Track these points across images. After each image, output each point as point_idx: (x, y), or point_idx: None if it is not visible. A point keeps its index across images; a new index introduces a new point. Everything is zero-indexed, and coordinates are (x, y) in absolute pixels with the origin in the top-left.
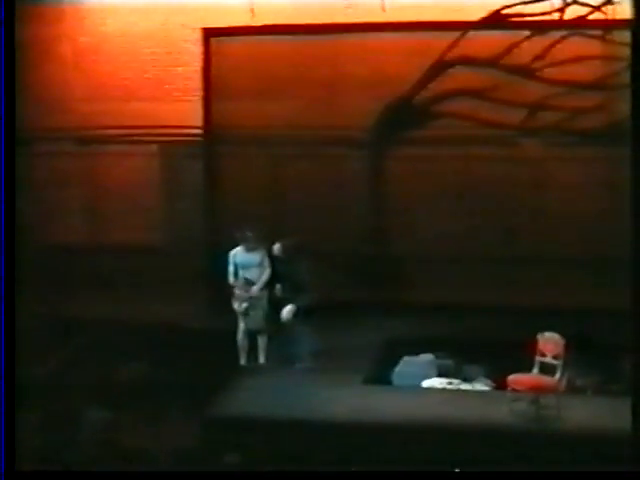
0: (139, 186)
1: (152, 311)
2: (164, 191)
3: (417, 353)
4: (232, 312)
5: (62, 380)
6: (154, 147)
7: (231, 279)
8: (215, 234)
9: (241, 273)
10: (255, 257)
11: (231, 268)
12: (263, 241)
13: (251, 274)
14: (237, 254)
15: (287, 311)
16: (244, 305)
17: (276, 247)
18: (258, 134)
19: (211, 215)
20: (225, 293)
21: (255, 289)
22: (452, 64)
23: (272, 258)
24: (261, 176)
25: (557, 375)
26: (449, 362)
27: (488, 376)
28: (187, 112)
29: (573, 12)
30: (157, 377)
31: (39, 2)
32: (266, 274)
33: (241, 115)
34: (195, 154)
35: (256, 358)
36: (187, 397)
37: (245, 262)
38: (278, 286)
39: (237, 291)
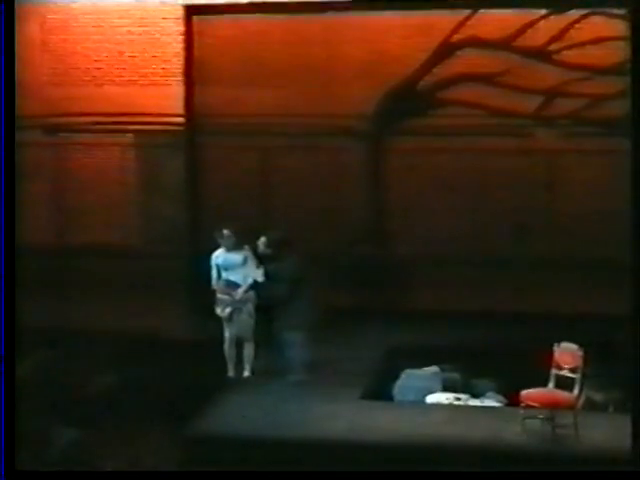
0: (113, 180)
1: (127, 319)
2: (141, 186)
3: (420, 365)
4: (217, 319)
5: (24, 395)
6: (130, 137)
7: (214, 282)
8: (197, 234)
9: (224, 275)
10: (238, 257)
11: (214, 271)
12: (248, 240)
13: (235, 276)
14: (219, 255)
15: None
16: (227, 310)
17: (261, 241)
18: (245, 123)
19: (193, 213)
20: (209, 298)
21: (239, 292)
22: (460, 46)
23: (260, 258)
24: (249, 170)
25: (575, 390)
26: (456, 375)
27: (499, 391)
28: (167, 98)
29: None
30: (131, 392)
31: None
32: (252, 276)
33: (226, 102)
34: (175, 145)
35: (243, 369)
36: (166, 414)
37: (227, 263)
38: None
39: (219, 295)
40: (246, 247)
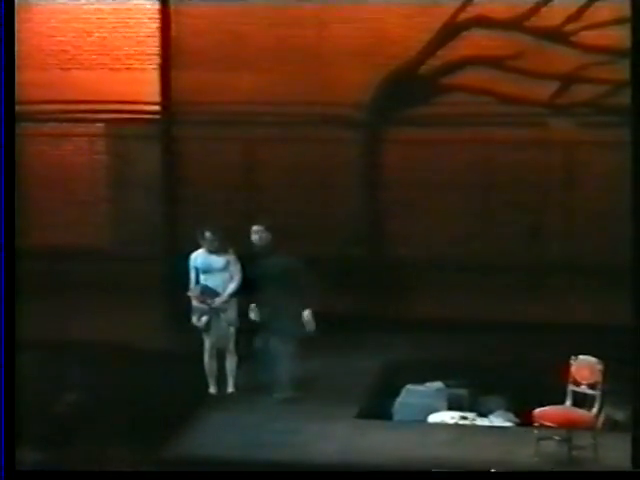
0: (80, 175)
1: (96, 329)
2: (112, 181)
3: (423, 380)
4: (197, 328)
5: None
6: (100, 126)
7: (192, 286)
8: (174, 234)
9: (202, 279)
10: (219, 260)
11: (192, 274)
12: (231, 242)
13: (214, 281)
14: (198, 257)
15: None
16: (204, 319)
17: (254, 230)
18: (228, 112)
19: (170, 211)
20: (187, 304)
21: (217, 301)
22: (466, 26)
23: (243, 261)
24: (231, 163)
25: (594, 408)
26: (462, 392)
27: (510, 409)
28: (140, 84)
29: None
30: (100, 411)
31: None
32: (235, 282)
33: (207, 88)
34: (150, 136)
35: (225, 385)
36: (139, 435)
37: (207, 266)
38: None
39: (194, 302)
40: (230, 250)
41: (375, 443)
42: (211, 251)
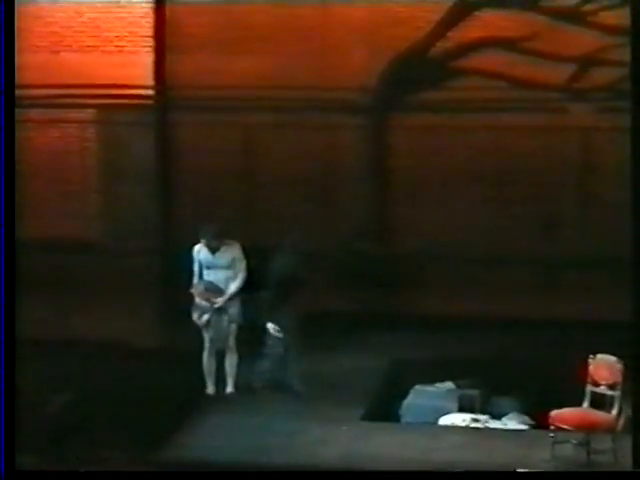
0: (71, 163)
1: (90, 326)
2: (104, 170)
3: (432, 380)
4: (196, 325)
5: None
6: (90, 112)
7: (195, 282)
8: (170, 226)
9: (205, 274)
10: (223, 256)
11: (196, 267)
12: (232, 235)
13: (217, 276)
14: (201, 251)
15: None
16: (205, 317)
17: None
18: (226, 97)
19: (165, 202)
20: (185, 301)
21: (219, 301)
22: (479, 5)
23: (248, 256)
24: (230, 151)
25: (613, 409)
26: (474, 392)
27: (524, 411)
28: (134, 67)
29: None
30: (93, 411)
31: None
32: (239, 280)
33: (204, 72)
34: (144, 122)
35: (224, 385)
36: (133, 437)
37: (210, 262)
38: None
39: (197, 299)
40: (236, 245)
41: (381, 446)
42: (214, 246)
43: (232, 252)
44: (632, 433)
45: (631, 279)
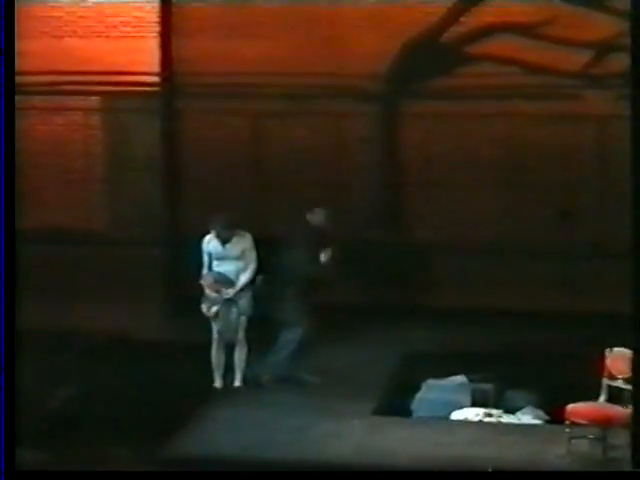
0: (74, 151)
1: (92, 318)
2: (108, 158)
3: (445, 374)
4: (203, 317)
5: None
6: (95, 100)
7: (204, 273)
8: (176, 216)
9: (215, 265)
10: (234, 247)
11: (205, 258)
12: (241, 225)
13: (227, 267)
14: (211, 241)
15: None
16: (214, 308)
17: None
18: (233, 83)
19: (171, 191)
20: (192, 292)
21: (230, 292)
22: None
23: (259, 247)
24: (238, 139)
25: (631, 404)
26: (487, 386)
27: (539, 405)
28: (139, 53)
29: None
30: (96, 406)
31: None
32: (250, 271)
33: (211, 58)
34: (150, 109)
35: (232, 378)
36: (139, 433)
37: (220, 252)
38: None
39: (207, 290)
40: (248, 235)
41: (393, 441)
42: (224, 236)
43: (243, 243)
44: (632, 433)
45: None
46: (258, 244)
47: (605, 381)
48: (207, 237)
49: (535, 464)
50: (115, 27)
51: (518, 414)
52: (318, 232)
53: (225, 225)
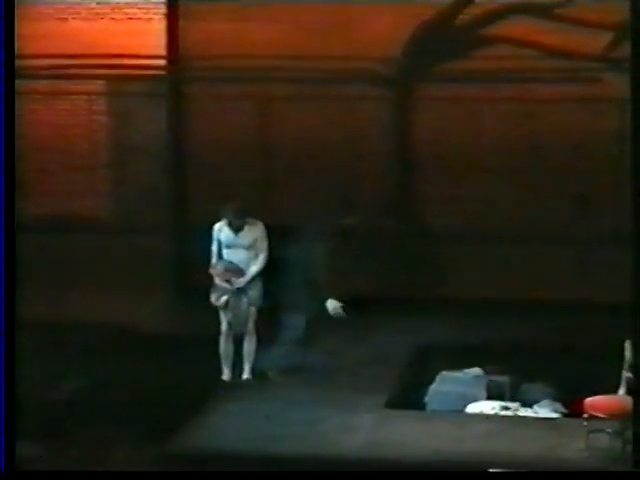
0: (78, 137)
1: (97, 310)
2: (113, 144)
3: (459, 366)
4: (211, 308)
5: None
6: (99, 84)
7: (214, 262)
8: (184, 204)
9: (225, 254)
10: (246, 235)
11: (215, 247)
12: (251, 214)
13: (238, 256)
14: (222, 229)
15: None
16: (224, 298)
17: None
18: (242, 67)
19: (178, 177)
20: (200, 281)
21: (241, 282)
22: None
23: (271, 236)
24: (246, 124)
25: None
26: (503, 379)
27: (557, 398)
28: (145, 35)
29: None
30: (101, 400)
31: None
32: (261, 261)
33: (219, 41)
34: (156, 94)
35: (241, 370)
36: (145, 426)
37: (231, 241)
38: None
39: (216, 280)
40: (260, 223)
41: (406, 435)
42: (235, 224)
43: (255, 232)
44: (632, 433)
45: None
46: (270, 233)
47: (624, 373)
48: (217, 225)
49: (553, 458)
50: (120, 9)
51: (535, 407)
52: (336, 224)
53: (237, 213)
